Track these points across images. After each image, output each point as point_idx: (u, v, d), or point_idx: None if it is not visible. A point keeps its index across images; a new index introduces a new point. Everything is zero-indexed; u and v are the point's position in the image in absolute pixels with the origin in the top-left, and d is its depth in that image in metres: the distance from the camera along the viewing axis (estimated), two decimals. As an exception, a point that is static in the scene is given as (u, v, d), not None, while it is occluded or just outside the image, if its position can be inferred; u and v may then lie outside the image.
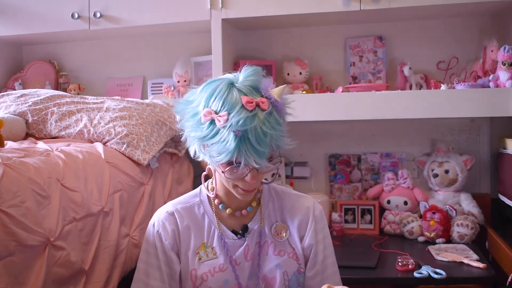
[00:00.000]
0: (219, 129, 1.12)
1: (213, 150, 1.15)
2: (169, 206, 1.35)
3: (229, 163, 1.15)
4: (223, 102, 1.13)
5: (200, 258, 1.30)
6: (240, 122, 1.10)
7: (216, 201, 1.33)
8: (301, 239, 1.33)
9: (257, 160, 1.13)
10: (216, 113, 1.13)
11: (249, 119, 1.11)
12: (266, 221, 1.33)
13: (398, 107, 2.13)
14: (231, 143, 1.11)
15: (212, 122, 1.14)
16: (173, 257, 1.31)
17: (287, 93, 1.60)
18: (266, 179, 1.38)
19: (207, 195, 1.35)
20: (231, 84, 1.16)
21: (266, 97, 1.15)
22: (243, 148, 1.11)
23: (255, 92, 1.15)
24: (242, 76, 1.18)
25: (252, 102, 1.12)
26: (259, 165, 1.15)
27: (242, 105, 1.11)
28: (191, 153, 1.24)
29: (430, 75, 2.39)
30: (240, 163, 1.14)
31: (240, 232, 1.31)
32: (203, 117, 1.15)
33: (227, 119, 1.11)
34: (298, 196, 1.39)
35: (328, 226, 1.39)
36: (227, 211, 1.32)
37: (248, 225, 1.32)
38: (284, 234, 1.33)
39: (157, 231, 1.32)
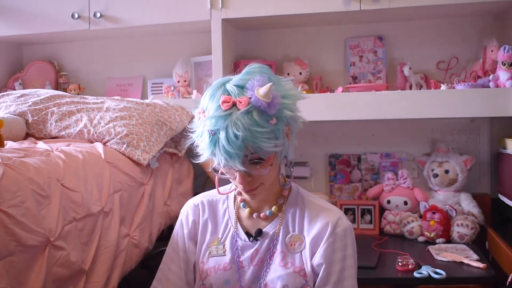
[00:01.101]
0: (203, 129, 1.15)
1: (199, 148, 1.19)
2: (198, 197, 1.40)
3: (213, 161, 1.17)
4: (208, 102, 1.15)
5: (210, 252, 1.31)
6: (212, 122, 1.11)
7: (239, 199, 1.34)
8: (312, 255, 1.25)
9: (229, 161, 1.11)
10: (204, 112, 1.16)
11: (221, 119, 1.10)
12: (283, 229, 1.29)
13: (398, 107, 2.13)
14: (205, 142, 1.13)
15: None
16: (190, 246, 1.35)
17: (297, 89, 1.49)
18: (287, 181, 1.34)
19: (235, 193, 1.35)
20: (223, 84, 1.16)
21: (249, 97, 1.12)
22: (216, 148, 1.12)
23: (240, 91, 1.13)
24: (240, 74, 1.18)
25: (229, 102, 1.11)
26: (230, 166, 1.14)
27: (219, 105, 1.11)
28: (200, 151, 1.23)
29: (430, 75, 2.40)
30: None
31: (253, 235, 1.29)
32: (195, 117, 1.19)
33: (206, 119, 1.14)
34: (322, 209, 1.29)
35: (354, 245, 1.27)
36: (247, 211, 1.31)
37: (264, 229, 1.29)
38: (298, 246, 1.26)
39: (181, 219, 1.38)
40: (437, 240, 2.15)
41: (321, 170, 2.58)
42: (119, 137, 1.79)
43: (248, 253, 1.29)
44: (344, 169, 2.54)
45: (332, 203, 2.48)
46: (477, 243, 2.13)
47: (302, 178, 2.57)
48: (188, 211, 1.38)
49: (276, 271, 1.26)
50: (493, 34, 2.24)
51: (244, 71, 1.19)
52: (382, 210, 2.41)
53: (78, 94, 2.55)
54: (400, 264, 1.85)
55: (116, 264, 1.52)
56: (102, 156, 1.63)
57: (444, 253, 1.98)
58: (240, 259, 1.29)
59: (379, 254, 2.02)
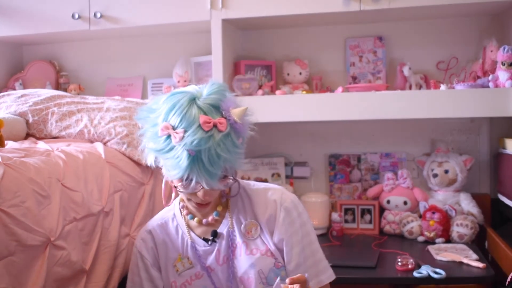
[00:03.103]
0: (174, 145, 1.12)
1: (167, 164, 1.16)
2: (148, 225, 1.39)
3: (181, 178, 1.16)
4: (181, 119, 1.12)
5: (177, 270, 1.32)
6: (195, 142, 1.09)
7: (184, 212, 1.35)
8: (271, 234, 1.30)
9: (209, 181, 1.13)
10: (174, 128, 1.12)
11: (204, 140, 1.10)
12: (236, 222, 1.32)
13: (398, 107, 2.13)
14: (183, 162, 1.11)
15: (169, 136, 1.13)
16: (154, 274, 1.35)
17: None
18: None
19: (179, 208, 1.37)
20: (193, 100, 1.14)
21: (226, 118, 1.14)
22: (195, 168, 1.11)
23: (215, 111, 1.14)
24: (206, 92, 1.17)
25: (210, 123, 1.11)
26: (210, 186, 1.15)
27: (199, 125, 1.10)
28: (148, 162, 1.24)
29: (430, 75, 2.40)
30: (192, 179, 1.14)
31: (211, 238, 1.31)
32: (160, 131, 1.14)
33: (183, 137, 1.10)
34: (265, 190, 1.34)
35: (305, 212, 1.33)
36: (195, 220, 1.33)
37: (218, 229, 1.31)
38: (254, 231, 1.30)
39: (138, 251, 1.37)
40: (437, 240, 2.15)
41: (321, 170, 2.58)
42: (119, 137, 1.79)
43: (212, 256, 1.31)
44: (344, 169, 2.54)
45: (332, 203, 2.52)
46: (477, 243, 2.14)
47: (302, 178, 2.58)
48: (143, 241, 1.37)
49: (245, 261, 1.28)
50: (493, 34, 2.23)
51: (209, 89, 1.17)
52: (382, 210, 2.41)
53: (79, 94, 2.55)
54: (400, 264, 1.85)
55: (116, 264, 1.53)
56: (103, 156, 1.64)
57: (443, 253, 1.98)
58: (207, 265, 1.31)
59: (379, 254, 2.02)
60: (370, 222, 2.40)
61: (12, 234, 1.11)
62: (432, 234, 2.16)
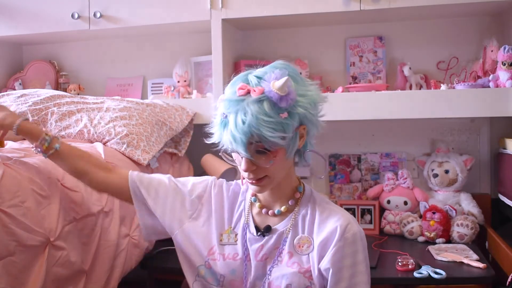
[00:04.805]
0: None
1: (212, 129, 1.22)
2: (229, 183, 1.40)
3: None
4: (228, 88, 1.19)
5: (221, 240, 1.31)
6: (226, 105, 1.15)
7: (251, 193, 1.34)
8: (320, 259, 1.22)
9: (234, 144, 1.14)
10: None
11: (233, 103, 1.14)
12: (292, 230, 1.28)
13: (398, 107, 2.13)
14: (216, 124, 1.18)
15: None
16: (182, 199, 1.34)
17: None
18: (302, 184, 1.35)
19: None
20: (247, 74, 1.20)
21: (264, 87, 1.15)
22: (224, 131, 1.15)
23: (258, 81, 1.17)
24: (264, 67, 1.21)
25: (244, 89, 1.14)
26: (235, 151, 1.17)
27: (235, 91, 1.16)
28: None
29: (430, 75, 2.40)
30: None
31: (262, 231, 1.29)
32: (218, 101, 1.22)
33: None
34: (332, 213, 1.26)
35: (365, 251, 1.25)
36: (257, 205, 1.32)
37: (273, 227, 1.29)
38: (306, 248, 1.25)
39: (208, 180, 1.37)
40: (437, 240, 2.15)
41: (321, 170, 2.57)
42: (119, 137, 1.79)
43: (254, 247, 1.28)
44: (344, 169, 2.54)
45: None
46: (477, 243, 2.13)
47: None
48: (217, 184, 1.37)
49: (281, 269, 1.25)
50: (493, 34, 2.24)
51: (269, 65, 1.22)
52: (382, 210, 2.41)
53: (78, 94, 2.55)
54: (400, 264, 1.85)
55: (116, 264, 1.52)
56: (102, 156, 1.63)
57: (444, 253, 1.98)
58: (248, 252, 1.28)
59: (379, 254, 2.02)
60: (370, 222, 2.40)
61: (11, 234, 1.11)
62: (432, 234, 2.16)
